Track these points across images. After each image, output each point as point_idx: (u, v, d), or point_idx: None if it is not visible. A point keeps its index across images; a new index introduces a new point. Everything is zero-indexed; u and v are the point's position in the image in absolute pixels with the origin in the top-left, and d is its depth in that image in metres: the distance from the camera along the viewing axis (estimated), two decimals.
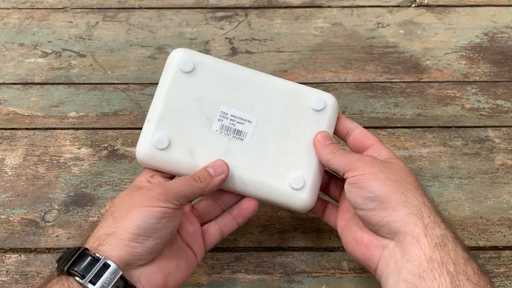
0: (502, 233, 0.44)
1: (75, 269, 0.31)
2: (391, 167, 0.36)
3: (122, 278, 0.31)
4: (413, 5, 0.69)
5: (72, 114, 0.56)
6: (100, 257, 0.31)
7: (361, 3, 0.69)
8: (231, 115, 0.39)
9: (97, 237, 0.33)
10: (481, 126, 0.54)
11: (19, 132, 0.54)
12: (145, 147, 0.38)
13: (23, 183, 0.49)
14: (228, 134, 0.39)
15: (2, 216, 0.46)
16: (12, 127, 0.54)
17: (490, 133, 0.53)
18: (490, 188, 0.48)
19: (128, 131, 0.54)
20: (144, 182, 0.38)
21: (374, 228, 0.35)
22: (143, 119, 0.55)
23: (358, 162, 0.36)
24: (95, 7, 0.69)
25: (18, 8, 0.69)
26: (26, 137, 0.53)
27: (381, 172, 0.35)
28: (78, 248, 0.32)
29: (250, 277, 0.42)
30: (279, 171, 0.39)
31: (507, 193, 0.47)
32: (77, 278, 0.31)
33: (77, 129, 0.54)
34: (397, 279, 0.31)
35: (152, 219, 0.33)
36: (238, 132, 0.39)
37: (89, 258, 0.31)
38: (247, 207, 0.39)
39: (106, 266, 0.31)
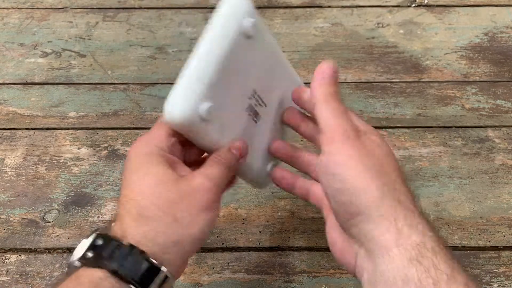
0: (502, 233, 0.44)
1: (133, 277, 0.27)
2: (373, 146, 0.30)
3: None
4: (413, 5, 0.68)
5: (72, 114, 0.56)
6: (164, 270, 0.27)
7: (361, 3, 0.69)
8: (258, 96, 0.36)
9: (159, 243, 0.28)
10: (481, 126, 0.53)
11: (19, 132, 0.54)
12: (188, 111, 0.31)
13: (23, 183, 0.49)
14: (250, 115, 0.36)
15: (2, 216, 0.46)
16: (12, 127, 0.54)
17: (490, 133, 0.53)
18: (490, 188, 0.48)
19: (128, 131, 0.54)
20: (169, 154, 0.31)
21: (344, 226, 0.30)
22: (143, 119, 0.55)
23: (336, 133, 0.30)
24: (95, 7, 0.69)
25: (18, 8, 0.69)
26: (26, 137, 0.53)
27: (359, 156, 0.29)
28: (138, 251, 0.27)
29: (250, 277, 0.42)
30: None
31: (507, 193, 0.47)
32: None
33: (77, 129, 0.54)
34: None
35: (214, 223, 0.30)
36: (256, 114, 0.36)
37: (149, 266, 0.27)
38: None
39: (165, 279, 0.28)
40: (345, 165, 0.29)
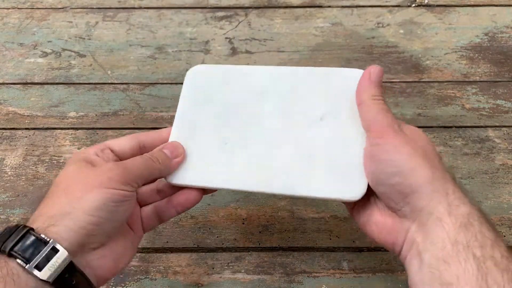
0: (502, 233, 0.44)
1: (19, 252, 0.28)
2: (415, 137, 0.33)
3: (71, 264, 0.29)
4: (413, 5, 0.68)
5: (72, 114, 0.56)
6: (48, 239, 0.28)
7: (361, 3, 0.69)
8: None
9: (49, 215, 0.30)
10: (481, 126, 0.53)
11: (19, 132, 0.54)
12: None
13: (23, 183, 0.49)
14: None
15: (2, 216, 0.46)
16: (12, 127, 0.54)
17: (490, 133, 0.53)
18: (490, 188, 0.48)
19: (128, 131, 0.54)
20: (93, 156, 0.34)
21: (396, 207, 0.32)
22: (143, 119, 0.55)
23: (383, 126, 0.32)
24: (95, 7, 0.69)
25: (18, 8, 0.69)
26: (26, 137, 0.53)
27: (406, 143, 0.31)
28: (22, 227, 0.29)
29: (250, 277, 0.42)
30: None
31: (507, 193, 0.47)
32: (20, 262, 0.28)
33: (77, 129, 0.54)
34: (421, 263, 0.29)
35: (112, 202, 0.31)
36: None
37: (36, 240, 0.28)
38: (188, 199, 0.36)
39: (54, 250, 0.28)
40: (395, 151, 0.31)
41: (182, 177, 0.36)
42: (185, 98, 0.39)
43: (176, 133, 0.38)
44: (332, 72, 0.37)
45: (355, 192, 0.33)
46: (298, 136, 0.35)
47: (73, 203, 0.30)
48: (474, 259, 0.27)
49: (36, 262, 0.28)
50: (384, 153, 0.31)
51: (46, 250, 0.28)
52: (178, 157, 0.36)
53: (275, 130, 0.36)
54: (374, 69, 0.35)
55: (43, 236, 0.28)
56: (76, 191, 0.31)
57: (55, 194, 0.32)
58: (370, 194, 0.34)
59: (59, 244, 0.28)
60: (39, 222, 0.29)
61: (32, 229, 0.29)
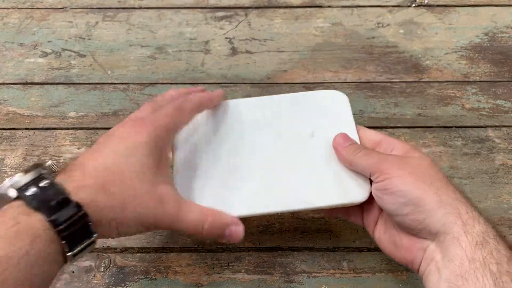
0: (502, 233, 0.44)
1: (67, 235, 0.27)
2: (418, 165, 0.34)
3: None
4: (413, 5, 0.68)
5: (72, 114, 0.56)
6: (94, 234, 0.29)
7: (361, 3, 0.69)
8: None
9: (102, 218, 0.29)
10: (481, 126, 0.53)
11: (19, 132, 0.54)
12: None
13: None
14: None
15: None
16: (12, 127, 0.54)
17: (490, 133, 0.53)
18: (490, 188, 0.48)
19: None
20: (161, 150, 0.34)
21: (413, 232, 0.34)
22: None
23: (384, 163, 0.35)
24: (95, 7, 0.69)
25: (18, 8, 0.69)
26: (26, 137, 0.53)
27: (409, 174, 0.33)
28: (80, 212, 0.28)
29: (250, 277, 0.42)
30: None
31: (507, 193, 0.47)
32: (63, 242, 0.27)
33: (77, 129, 0.54)
34: (439, 278, 0.31)
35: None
36: None
37: (83, 224, 0.28)
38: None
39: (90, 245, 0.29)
40: (401, 183, 0.33)
41: None
42: (181, 144, 0.39)
43: (181, 178, 0.37)
44: (310, 95, 0.42)
45: (363, 193, 0.37)
46: (298, 155, 0.39)
47: (122, 212, 0.30)
48: (491, 275, 0.29)
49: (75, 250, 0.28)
50: (393, 186, 0.34)
51: (88, 241, 0.29)
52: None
53: (275, 153, 0.39)
54: (339, 136, 0.39)
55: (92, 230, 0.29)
56: (123, 196, 0.31)
57: (115, 193, 0.30)
58: (382, 213, 0.37)
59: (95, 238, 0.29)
60: (86, 204, 0.29)
61: (89, 219, 0.28)
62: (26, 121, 0.55)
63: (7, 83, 0.59)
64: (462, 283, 0.29)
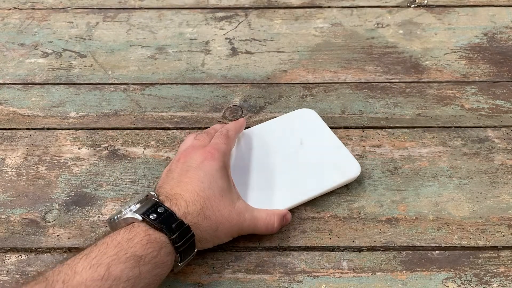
0: (501, 233, 0.44)
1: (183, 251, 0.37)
2: None
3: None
4: (413, 5, 0.69)
5: (73, 114, 0.56)
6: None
7: (361, 3, 0.69)
8: None
9: (203, 237, 0.39)
10: (481, 126, 0.54)
11: (20, 132, 0.54)
12: None
13: (24, 183, 0.49)
14: None
15: (3, 216, 0.46)
16: (12, 127, 0.55)
17: (490, 133, 0.53)
18: (490, 188, 0.48)
19: (128, 131, 0.54)
20: (229, 172, 0.43)
21: None
22: (143, 119, 0.55)
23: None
24: (95, 7, 0.69)
25: (19, 9, 0.69)
26: (27, 137, 0.53)
27: None
28: (190, 233, 0.37)
29: (250, 277, 0.42)
30: None
31: (506, 193, 0.47)
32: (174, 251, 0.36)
33: (77, 129, 0.54)
34: None
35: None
36: None
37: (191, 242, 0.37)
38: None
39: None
40: None
41: None
42: None
43: None
44: (288, 116, 0.53)
45: (356, 169, 0.47)
46: (298, 158, 0.49)
47: (213, 236, 0.41)
48: None
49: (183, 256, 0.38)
50: None
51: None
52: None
53: (283, 162, 0.48)
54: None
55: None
56: (215, 222, 0.40)
57: (210, 217, 0.40)
58: None
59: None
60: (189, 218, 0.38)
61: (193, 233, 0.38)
62: (27, 121, 0.55)
63: (8, 83, 0.59)
64: None
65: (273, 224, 0.43)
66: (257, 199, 0.45)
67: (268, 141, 0.51)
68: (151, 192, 0.39)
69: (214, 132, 0.47)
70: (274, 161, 0.49)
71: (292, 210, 0.45)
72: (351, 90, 0.58)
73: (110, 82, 0.59)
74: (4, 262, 0.43)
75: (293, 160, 0.49)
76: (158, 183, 0.43)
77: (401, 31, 0.65)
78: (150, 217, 0.36)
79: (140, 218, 0.36)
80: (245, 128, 0.52)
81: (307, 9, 0.68)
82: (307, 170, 0.48)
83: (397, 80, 0.59)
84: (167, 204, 0.38)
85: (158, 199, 0.38)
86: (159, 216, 0.36)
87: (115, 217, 0.37)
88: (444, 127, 0.54)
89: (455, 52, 0.62)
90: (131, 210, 0.37)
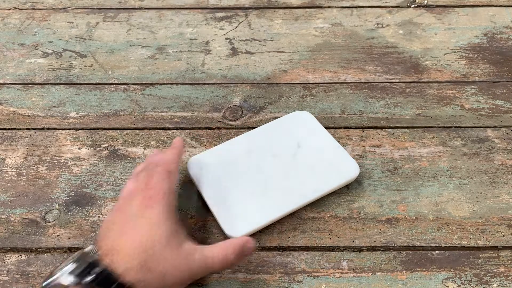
0: (501, 233, 0.44)
1: None
2: None
3: None
4: (413, 5, 0.69)
5: (73, 114, 0.56)
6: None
7: (361, 4, 0.69)
8: None
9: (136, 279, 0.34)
10: (481, 126, 0.54)
11: (20, 132, 0.54)
12: None
13: (24, 183, 0.49)
14: None
15: (3, 216, 0.46)
16: (12, 127, 0.55)
17: (490, 133, 0.53)
18: (490, 188, 0.48)
19: (128, 131, 0.54)
20: (174, 214, 0.39)
21: None
22: (143, 119, 0.55)
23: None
24: (95, 7, 0.69)
25: (19, 9, 0.69)
26: (27, 137, 0.53)
27: None
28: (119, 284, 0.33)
29: (250, 277, 0.42)
30: None
31: (506, 193, 0.47)
32: None
33: (77, 129, 0.54)
34: None
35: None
36: None
37: None
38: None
39: None
40: None
41: (239, 229, 0.43)
42: (202, 179, 0.47)
43: (215, 206, 0.45)
44: (283, 119, 0.52)
45: (355, 170, 0.47)
46: (298, 161, 0.48)
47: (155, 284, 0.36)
48: None
49: None
50: None
51: None
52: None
53: (282, 166, 0.48)
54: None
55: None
56: (157, 271, 0.36)
57: (154, 268, 0.36)
58: None
59: None
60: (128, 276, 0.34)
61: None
62: (27, 121, 0.55)
63: (8, 84, 0.59)
64: None
65: (229, 257, 0.38)
66: (256, 205, 0.45)
67: (264, 145, 0.50)
68: (90, 247, 0.36)
69: (154, 166, 0.42)
70: (272, 165, 0.48)
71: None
72: (351, 90, 0.58)
73: (110, 82, 0.59)
74: (4, 262, 0.43)
75: (291, 163, 0.48)
76: (98, 235, 0.38)
77: (401, 31, 0.65)
78: (86, 279, 0.33)
79: (74, 281, 0.33)
80: (245, 129, 0.53)
81: (307, 9, 0.68)
82: (305, 173, 0.47)
83: (397, 80, 0.59)
84: (106, 260, 0.34)
85: (97, 255, 0.35)
86: (96, 277, 0.33)
87: (49, 282, 0.34)
88: (444, 127, 0.54)
89: (455, 52, 0.62)
90: (65, 272, 0.34)
